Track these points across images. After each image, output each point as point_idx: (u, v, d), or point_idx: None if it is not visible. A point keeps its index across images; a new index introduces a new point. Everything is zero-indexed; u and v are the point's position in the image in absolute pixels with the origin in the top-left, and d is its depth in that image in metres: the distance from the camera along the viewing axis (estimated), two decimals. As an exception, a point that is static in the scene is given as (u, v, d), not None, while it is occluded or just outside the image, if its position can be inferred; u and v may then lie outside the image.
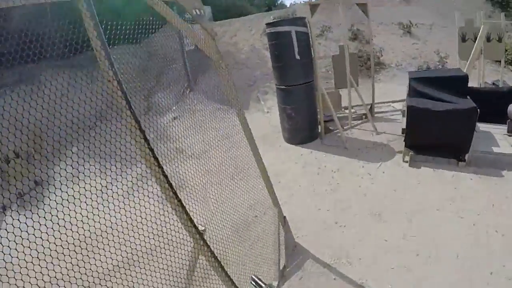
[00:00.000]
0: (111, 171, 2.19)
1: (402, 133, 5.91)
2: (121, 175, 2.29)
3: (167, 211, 2.28)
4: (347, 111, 8.39)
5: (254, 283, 1.27)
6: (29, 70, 14.15)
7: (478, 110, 5.09)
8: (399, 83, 11.05)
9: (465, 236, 4.10)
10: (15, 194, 8.19)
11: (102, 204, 2.01)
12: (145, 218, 2.18)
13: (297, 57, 6.57)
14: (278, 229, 4.39)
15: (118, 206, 2.08)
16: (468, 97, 5.57)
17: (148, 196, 2.26)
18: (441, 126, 5.39)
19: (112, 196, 2.09)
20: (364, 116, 8.02)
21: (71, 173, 1.97)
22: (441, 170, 5.52)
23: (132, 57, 13.41)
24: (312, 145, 7.05)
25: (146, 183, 2.50)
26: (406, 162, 5.87)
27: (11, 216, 1.71)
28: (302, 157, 6.63)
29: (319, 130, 7.37)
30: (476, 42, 6.41)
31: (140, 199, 2.16)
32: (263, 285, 1.24)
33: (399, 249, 4.07)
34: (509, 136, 5.72)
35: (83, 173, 2.03)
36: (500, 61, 8.68)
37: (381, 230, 4.42)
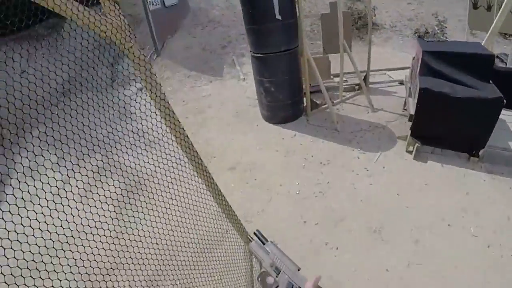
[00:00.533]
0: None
1: (410, 119, 4.73)
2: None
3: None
4: (336, 80, 7.18)
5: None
6: None
7: (504, 100, 4.05)
8: (393, 47, 9.88)
9: (479, 263, 3.22)
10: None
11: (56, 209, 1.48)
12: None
13: (278, 16, 5.07)
14: (251, 260, 3.27)
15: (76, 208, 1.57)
16: (491, 81, 4.45)
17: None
18: (458, 116, 4.32)
19: (67, 197, 1.56)
20: (357, 87, 6.81)
21: (29, 167, 1.41)
22: (450, 166, 4.53)
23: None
24: (296, 125, 5.82)
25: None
26: (410, 152, 4.80)
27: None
28: (284, 142, 5.40)
29: (304, 105, 6.12)
30: (501, 11, 5.15)
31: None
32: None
33: (403, 282, 3.12)
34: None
35: (43, 165, 1.52)
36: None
37: (382, 254, 3.40)
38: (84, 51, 1.82)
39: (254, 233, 1.13)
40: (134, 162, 1.78)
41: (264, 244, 1.12)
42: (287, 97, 5.71)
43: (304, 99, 6.05)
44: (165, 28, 10.47)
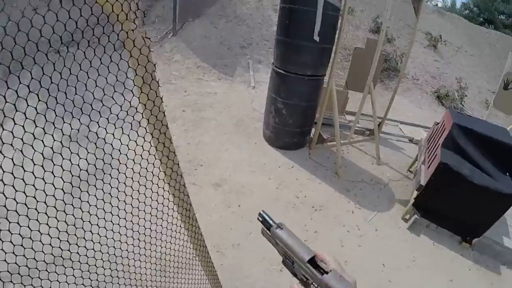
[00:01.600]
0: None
1: (417, 189, 4.35)
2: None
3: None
4: (348, 118, 6.82)
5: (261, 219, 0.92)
6: None
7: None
8: (411, 100, 9.60)
9: None
10: None
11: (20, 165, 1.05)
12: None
13: (316, 37, 4.61)
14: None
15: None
16: (508, 174, 4.14)
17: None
18: (467, 200, 4.01)
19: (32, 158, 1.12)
20: (368, 132, 6.45)
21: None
22: (442, 247, 4.24)
23: None
24: (297, 156, 5.36)
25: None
26: (406, 220, 4.47)
27: None
28: (280, 172, 4.95)
29: (311, 136, 5.69)
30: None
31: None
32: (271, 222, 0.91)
33: None
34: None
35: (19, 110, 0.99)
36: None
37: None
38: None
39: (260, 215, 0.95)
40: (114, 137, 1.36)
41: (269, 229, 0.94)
42: (297, 125, 5.28)
43: (313, 130, 5.63)
44: (189, 9, 10.02)
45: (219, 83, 7.55)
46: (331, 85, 5.11)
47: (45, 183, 1.13)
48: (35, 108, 1.03)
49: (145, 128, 1.45)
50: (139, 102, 1.41)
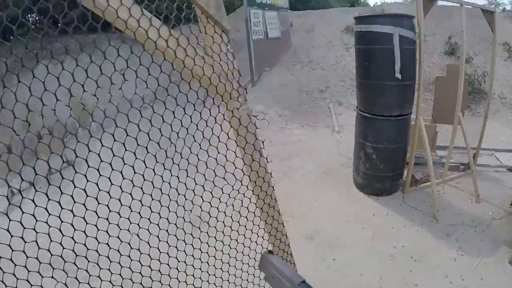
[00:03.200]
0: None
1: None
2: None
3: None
4: (439, 152, 6.67)
5: None
6: (92, 40, 13.55)
7: None
8: (501, 122, 9.05)
9: None
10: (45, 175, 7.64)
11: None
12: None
13: (398, 75, 4.68)
14: None
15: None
16: None
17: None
18: None
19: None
20: (462, 167, 6.23)
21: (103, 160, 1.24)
22: None
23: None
24: (391, 202, 5.38)
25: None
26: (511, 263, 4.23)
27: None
28: (374, 220, 5.02)
29: (403, 179, 5.66)
30: None
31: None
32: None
33: None
34: None
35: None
36: None
37: None
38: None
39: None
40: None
41: None
42: (388, 169, 5.33)
43: (405, 172, 5.61)
44: (265, 59, 10.67)
45: (302, 130, 7.90)
46: (419, 122, 5.12)
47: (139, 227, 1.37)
48: (132, 167, 1.26)
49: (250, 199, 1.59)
50: (249, 181, 1.66)
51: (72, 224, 1.20)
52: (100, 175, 1.27)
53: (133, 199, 1.38)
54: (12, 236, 1.00)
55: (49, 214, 1.10)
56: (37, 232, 1.07)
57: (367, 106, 5.21)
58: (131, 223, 1.39)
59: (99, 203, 1.28)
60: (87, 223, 1.27)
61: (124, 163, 1.34)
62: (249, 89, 10.43)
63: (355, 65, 5.36)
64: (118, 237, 1.38)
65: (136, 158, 1.36)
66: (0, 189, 1.52)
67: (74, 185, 1.15)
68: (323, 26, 12.57)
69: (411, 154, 5.43)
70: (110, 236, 1.30)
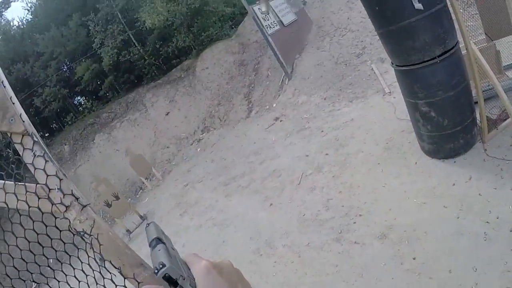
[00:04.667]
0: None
1: None
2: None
3: None
4: (509, 73, 5.29)
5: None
6: (133, 97, 14.11)
7: None
8: None
9: None
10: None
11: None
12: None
13: (418, 6, 3.58)
14: None
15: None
16: None
17: None
18: None
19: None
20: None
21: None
22: None
23: (225, 54, 12.07)
24: (471, 161, 4.23)
25: None
26: None
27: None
28: (456, 191, 3.93)
29: (478, 126, 4.43)
30: None
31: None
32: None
33: None
34: None
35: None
36: None
37: None
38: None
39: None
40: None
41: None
42: (455, 122, 4.20)
43: (478, 117, 4.39)
44: (291, 47, 9.99)
45: (352, 107, 6.97)
46: (471, 49, 3.97)
47: None
48: None
49: None
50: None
51: None
52: None
53: None
54: None
55: None
56: None
57: (402, 57, 4.16)
58: None
59: None
60: None
61: None
62: (286, 83, 9.77)
63: (369, 16, 4.35)
64: None
65: None
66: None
67: None
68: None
69: (477, 93, 4.23)
70: None
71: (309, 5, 11.80)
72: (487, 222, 3.40)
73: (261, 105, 10.12)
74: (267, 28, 9.03)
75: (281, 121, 8.34)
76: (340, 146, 5.92)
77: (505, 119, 4.35)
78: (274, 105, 9.24)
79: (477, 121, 4.45)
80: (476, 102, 4.34)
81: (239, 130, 9.51)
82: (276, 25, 9.47)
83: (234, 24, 14.63)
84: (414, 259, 3.43)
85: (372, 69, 7.71)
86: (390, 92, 6.65)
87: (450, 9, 3.85)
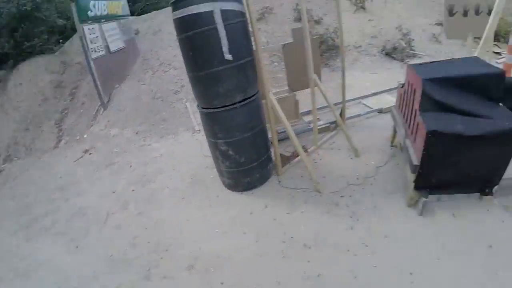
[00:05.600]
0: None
1: (413, 171, 3.64)
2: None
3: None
4: (307, 118, 6.14)
5: None
6: None
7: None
8: (362, 69, 9.03)
9: None
10: None
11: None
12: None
13: (228, 56, 3.84)
14: None
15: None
16: (501, 104, 3.50)
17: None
18: (472, 154, 3.30)
19: None
20: (332, 126, 5.78)
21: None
22: (463, 213, 3.58)
23: (44, 71, 10.47)
24: (267, 191, 4.58)
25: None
26: (410, 205, 3.80)
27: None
28: (254, 219, 4.14)
29: (273, 162, 4.88)
30: (492, 15, 4.33)
31: None
32: None
33: None
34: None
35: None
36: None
37: None
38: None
39: None
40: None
41: None
42: (251, 159, 4.49)
43: (273, 154, 4.81)
44: (112, 76, 9.37)
45: (162, 143, 6.82)
46: (270, 101, 4.37)
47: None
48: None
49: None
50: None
51: None
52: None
53: None
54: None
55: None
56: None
57: (206, 100, 4.28)
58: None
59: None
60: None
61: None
62: (101, 113, 9.05)
63: (183, 58, 4.33)
64: None
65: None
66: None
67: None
68: (170, 24, 11.57)
69: (272, 134, 4.67)
70: None
71: (141, 36, 11.48)
72: (283, 241, 3.67)
73: (72, 134, 9.02)
74: (92, 51, 8.27)
75: (90, 153, 7.52)
76: (147, 181, 5.61)
77: (297, 156, 4.92)
78: (85, 136, 8.36)
79: (272, 157, 4.86)
80: (272, 142, 4.77)
81: (45, 162, 8.13)
82: (102, 50, 8.79)
83: (62, 38, 12.87)
84: (222, 283, 3.33)
85: (186, 107, 7.82)
86: (199, 130, 6.79)
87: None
